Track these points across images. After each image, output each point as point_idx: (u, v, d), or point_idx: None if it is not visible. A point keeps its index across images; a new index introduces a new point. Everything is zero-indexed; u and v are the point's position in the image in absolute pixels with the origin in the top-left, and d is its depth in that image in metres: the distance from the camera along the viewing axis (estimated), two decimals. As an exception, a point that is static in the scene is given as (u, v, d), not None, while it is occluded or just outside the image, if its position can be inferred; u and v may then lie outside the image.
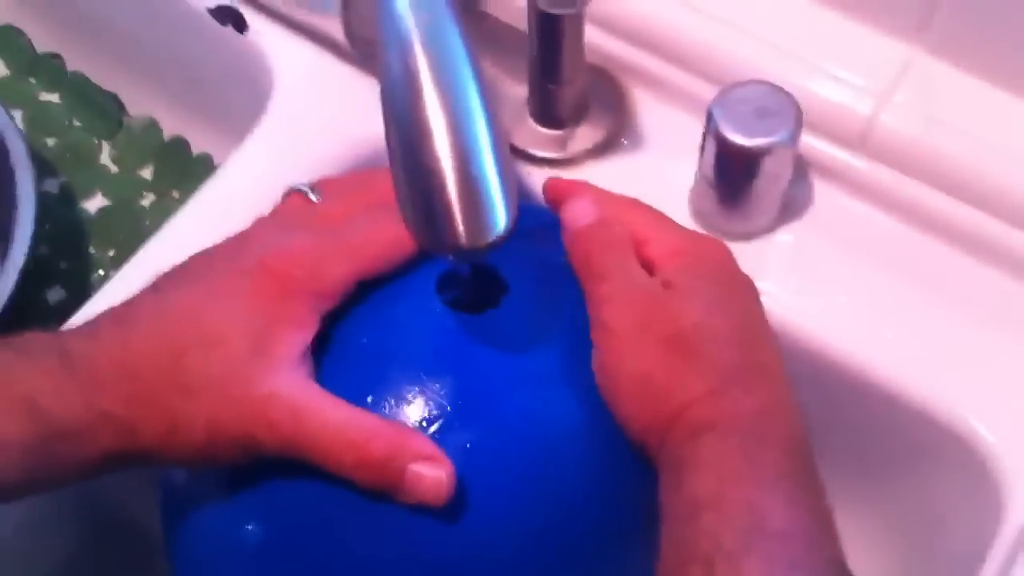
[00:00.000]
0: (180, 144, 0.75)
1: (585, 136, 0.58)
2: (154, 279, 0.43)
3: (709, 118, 0.51)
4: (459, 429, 0.41)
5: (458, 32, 0.37)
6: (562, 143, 0.58)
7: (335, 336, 0.43)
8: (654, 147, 0.58)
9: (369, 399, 0.41)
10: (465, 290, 0.45)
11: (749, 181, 0.52)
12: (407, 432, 0.40)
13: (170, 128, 0.75)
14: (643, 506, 0.41)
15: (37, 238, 0.64)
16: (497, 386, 0.42)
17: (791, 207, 0.56)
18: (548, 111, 0.57)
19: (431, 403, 0.41)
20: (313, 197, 0.46)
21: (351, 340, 0.43)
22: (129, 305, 0.42)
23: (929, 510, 0.55)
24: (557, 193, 0.47)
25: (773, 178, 0.52)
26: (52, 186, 0.74)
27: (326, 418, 0.39)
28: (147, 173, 0.75)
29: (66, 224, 0.73)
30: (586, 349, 0.42)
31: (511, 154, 0.38)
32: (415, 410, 0.41)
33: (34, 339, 0.41)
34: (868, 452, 0.56)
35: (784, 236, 0.55)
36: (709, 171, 0.53)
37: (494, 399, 0.42)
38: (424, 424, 0.41)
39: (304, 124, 0.59)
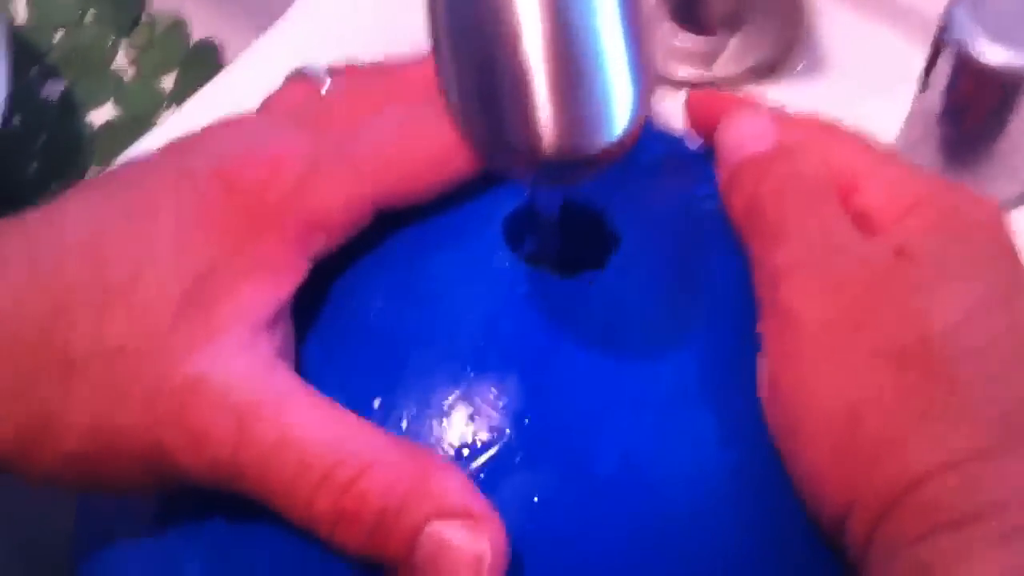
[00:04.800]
0: (209, 50, 0.64)
1: (743, 50, 0.44)
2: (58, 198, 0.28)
3: (946, 24, 0.37)
4: (522, 468, 0.26)
5: None
6: (709, 58, 0.44)
7: (333, 297, 0.28)
8: (844, 71, 0.44)
9: (376, 402, 0.27)
10: (550, 240, 0.29)
11: (1002, 122, 0.38)
12: (430, 463, 0.25)
13: (199, 30, 0.65)
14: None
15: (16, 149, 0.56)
16: (591, 399, 0.27)
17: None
18: (691, 11, 0.45)
19: (479, 418, 0.26)
20: (324, 80, 0.30)
21: (358, 305, 0.28)
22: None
23: None
24: (709, 108, 0.32)
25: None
26: (52, 91, 0.64)
27: (292, 429, 0.24)
28: (168, 82, 0.65)
29: (64, 138, 0.64)
30: (745, 350, 0.27)
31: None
32: (450, 427, 0.26)
33: None
34: None
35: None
36: (936, 106, 0.39)
37: (584, 422, 0.26)
38: (464, 453, 0.26)
39: (340, 10, 0.48)
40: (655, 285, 0.28)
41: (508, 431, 0.26)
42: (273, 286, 0.26)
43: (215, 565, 0.28)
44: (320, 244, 0.27)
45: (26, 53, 0.63)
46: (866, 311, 0.24)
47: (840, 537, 0.24)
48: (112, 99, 0.63)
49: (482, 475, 0.25)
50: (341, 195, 0.27)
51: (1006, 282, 0.25)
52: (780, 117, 0.30)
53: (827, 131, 0.30)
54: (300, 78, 0.32)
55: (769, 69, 0.44)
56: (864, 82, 0.43)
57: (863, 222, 0.27)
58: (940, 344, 0.24)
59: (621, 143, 0.22)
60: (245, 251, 0.26)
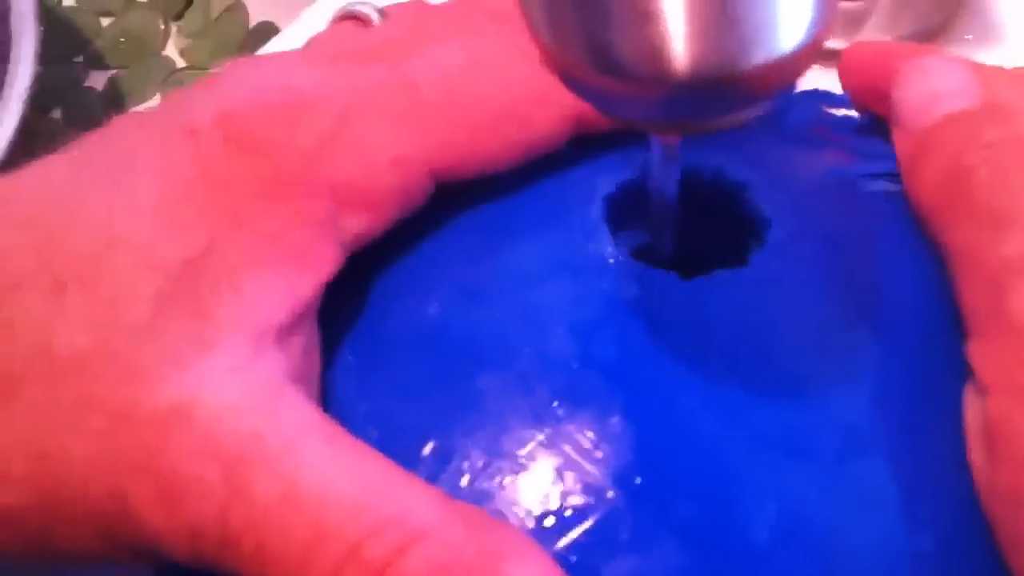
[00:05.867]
0: (269, 34, 0.57)
1: (896, 13, 0.35)
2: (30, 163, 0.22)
3: None
4: (631, 548, 0.18)
5: None
6: (854, 24, 0.36)
7: (373, 300, 0.21)
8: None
9: (427, 448, 0.19)
10: (668, 228, 0.22)
11: None
12: (502, 538, 0.18)
13: (257, 12, 0.59)
14: None
15: (56, 142, 0.46)
16: (726, 451, 0.19)
17: None
18: (834, -34, 0.35)
19: (570, 473, 0.19)
20: (375, 18, 0.23)
21: (407, 311, 0.21)
22: None
23: None
24: (877, 63, 0.24)
25: None
26: (97, 81, 0.58)
27: (305, 482, 0.17)
28: (222, 71, 0.57)
29: (107, 132, 0.56)
30: (945, 385, 0.19)
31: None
32: (529, 487, 0.19)
33: None
34: None
35: None
36: None
37: (718, 483, 0.19)
38: (547, 524, 0.18)
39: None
40: (814, 290, 0.20)
41: (611, 494, 0.18)
42: (290, 280, 0.19)
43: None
44: (358, 225, 0.20)
45: (72, 39, 0.57)
46: None
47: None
48: (160, 90, 0.57)
49: (574, 558, 0.18)
50: (387, 157, 0.20)
51: None
52: (980, 68, 0.22)
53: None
54: (349, 16, 0.25)
55: (929, 38, 0.35)
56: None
57: None
58: None
59: (792, 62, 0.15)
60: (254, 230, 0.19)
